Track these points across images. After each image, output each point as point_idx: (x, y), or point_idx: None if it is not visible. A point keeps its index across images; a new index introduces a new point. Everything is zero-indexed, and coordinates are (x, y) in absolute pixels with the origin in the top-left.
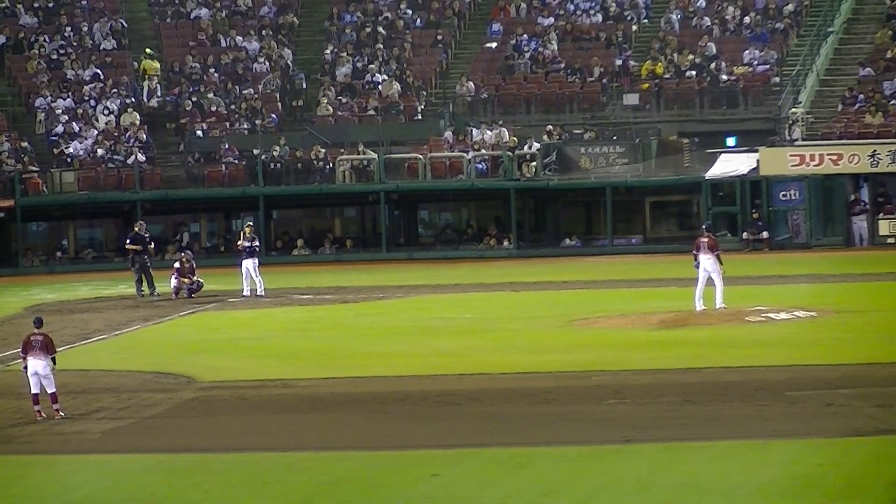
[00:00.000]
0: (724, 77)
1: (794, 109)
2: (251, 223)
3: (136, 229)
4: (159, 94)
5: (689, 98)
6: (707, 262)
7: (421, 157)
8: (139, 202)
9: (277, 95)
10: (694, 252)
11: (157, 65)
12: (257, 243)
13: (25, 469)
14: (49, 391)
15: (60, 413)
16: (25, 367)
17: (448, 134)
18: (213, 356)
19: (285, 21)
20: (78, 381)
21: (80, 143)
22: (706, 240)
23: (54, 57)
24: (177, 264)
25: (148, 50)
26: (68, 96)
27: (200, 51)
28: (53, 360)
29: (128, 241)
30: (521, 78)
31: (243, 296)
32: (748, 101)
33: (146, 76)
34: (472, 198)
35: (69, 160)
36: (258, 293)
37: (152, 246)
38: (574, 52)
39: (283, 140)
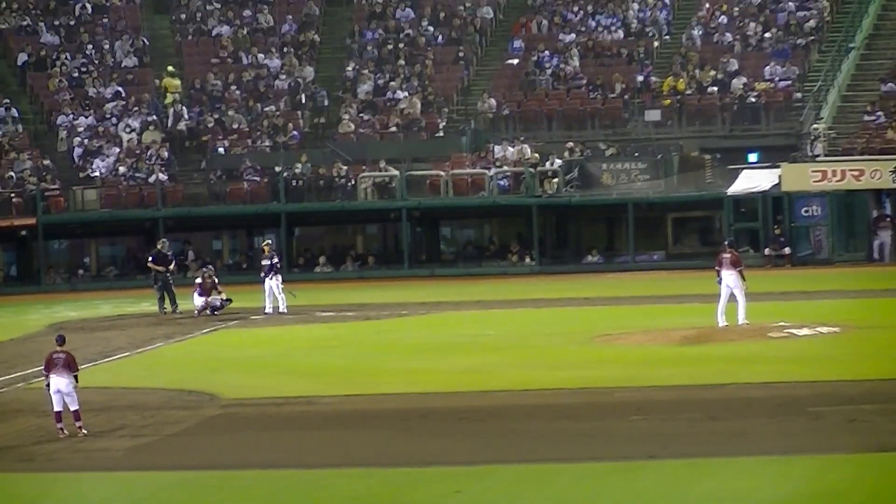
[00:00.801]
0: (751, 96)
1: (815, 125)
2: (270, 241)
3: (159, 247)
4: (186, 116)
5: (710, 114)
6: (730, 277)
7: (443, 173)
8: (161, 219)
9: (299, 113)
10: (717, 268)
11: (178, 82)
12: (276, 260)
13: (48, 487)
14: (72, 409)
15: (83, 430)
16: (48, 385)
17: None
18: (236, 373)
19: (307, 38)
20: (101, 399)
21: (102, 160)
22: (728, 255)
23: (76, 75)
24: (198, 280)
25: (170, 68)
26: (90, 114)
27: (222, 68)
28: (76, 377)
29: (150, 258)
30: (542, 94)
31: (266, 313)
32: (770, 117)
33: (167, 93)
34: (494, 214)
35: (92, 178)
36: (281, 310)
37: (174, 264)
38: (596, 69)
39: (304, 157)
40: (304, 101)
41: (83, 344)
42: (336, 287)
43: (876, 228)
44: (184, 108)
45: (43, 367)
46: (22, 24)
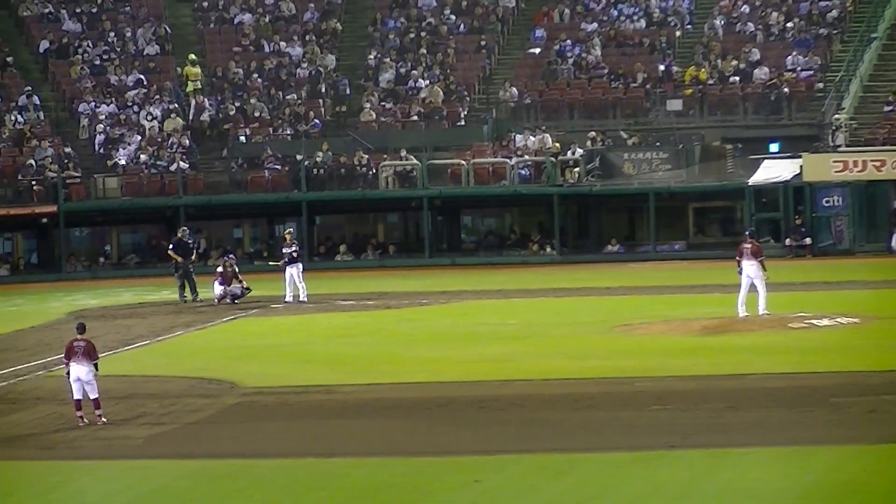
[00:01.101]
0: (774, 87)
1: (837, 115)
2: (291, 229)
3: (180, 235)
4: (208, 107)
5: (732, 104)
6: (750, 268)
7: (464, 162)
8: (182, 207)
9: (321, 101)
10: (737, 258)
11: (199, 70)
12: (295, 248)
13: (68, 474)
14: (91, 397)
15: (103, 419)
16: (68, 373)
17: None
18: (255, 362)
19: (328, 26)
20: (121, 387)
21: (124, 148)
22: (749, 246)
23: (97, 62)
24: (219, 269)
25: (191, 56)
26: (112, 102)
27: (244, 56)
28: (96, 365)
29: (171, 246)
30: (564, 83)
31: (286, 301)
32: (792, 107)
33: (188, 82)
34: (515, 204)
35: (114, 166)
36: (301, 299)
37: (196, 251)
38: (617, 58)
39: (326, 146)
40: (325, 89)
41: (103, 332)
42: (357, 276)
43: (894, 221)
44: (206, 99)
45: (63, 355)
46: (44, 11)
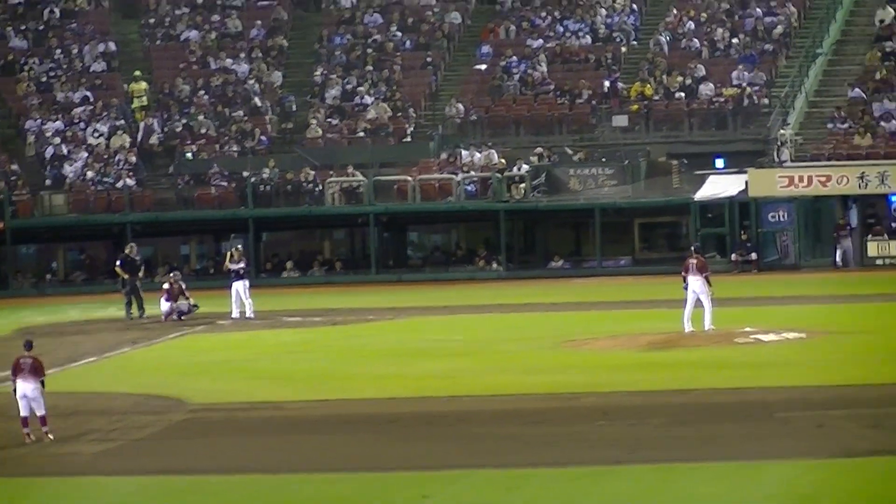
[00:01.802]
0: (718, 102)
1: (782, 131)
2: (239, 246)
3: (127, 251)
4: (156, 128)
5: (677, 119)
6: (696, 283)
7: (410, 179)
8: (129, 224)
9: (267, 118)
10: (683, 273)
11: (145, 86)
12: (243, 265)
13: (16, 491)
14: (38, 414)
15: (50, 436)
16: (14, 390)
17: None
18: (203, 378)
19: (275, 43)
20: (68, 404)
21: (70, 165)
22: (695, 261)
23: (44, 79)
24: (166, 286)
25: (137, 73)
26: (58, 118)
27: (190, 73)
28: (42, 382)
29: (118, 262)
30: (510, 100)
31: (233, 318)
32: (737, 123)
33: (134, 98)
34: (462, 219)
35: (61, 182)
36: (248, 315)
37: (143, 269)
38: (563, 74)
39: (272, 162)
40: (271, 106)
41: (51, 349)
42: (303, 292)
43: (837, 237)
44: (154, 121)
45: (10, 372)
46: None
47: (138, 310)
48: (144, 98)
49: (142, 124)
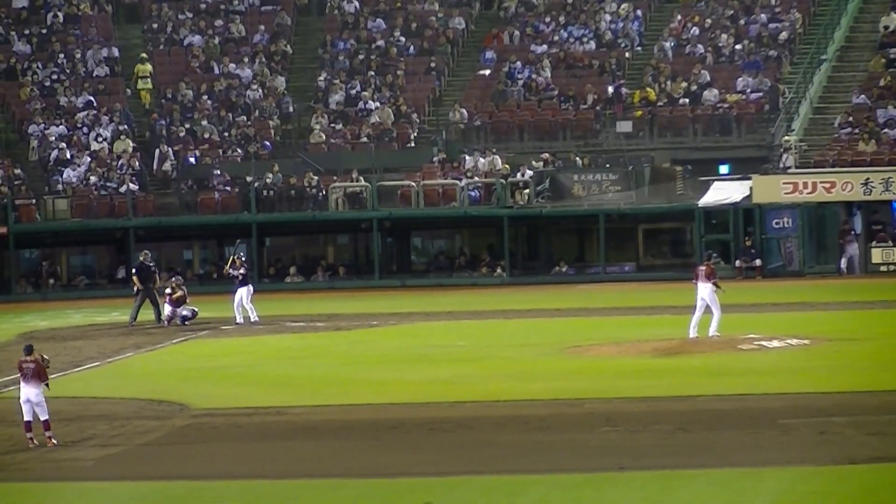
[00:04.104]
0: (723, 108)
1: (787, 137)
2: (242, 252)
3: (142, 259)
4: (172, 157)
5: (682, 125)
6: (704, 290)
7: (414, 184)
8: (132, 229)
9: (270, 123)
10: (694, 280)
11: (150, 67)
12: (243, 271)
13: (18, 497)
14: (42, 418)
15: (53, 440)
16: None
17: (440, 159)
18: (206, 384)
19: (278, 48)
20: (70, 409)
21: (73, 170)
22: (704, 268)
23: (47, 84)
24: (167, 290)
25: (143, 55)
26: (61, 123)
27: (193, 78)
28: (47, 385)
29: (133, 270)
30: (514, 105)
31: (236, 323)
32: (741, 129)
33: (139, 78)
34: (465, 225)
35: (63, 187)
36: (251, 320)
37: (157, 276)
38: (567, 80)
39: (276, 167)
40: (275, 111)
41: (53, 353)
42: (306, 297)
43: (843, 242)
44: (169, 149)
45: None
46: None
47: (156, 316)
48: (149, 80)
49: (157, 152)
